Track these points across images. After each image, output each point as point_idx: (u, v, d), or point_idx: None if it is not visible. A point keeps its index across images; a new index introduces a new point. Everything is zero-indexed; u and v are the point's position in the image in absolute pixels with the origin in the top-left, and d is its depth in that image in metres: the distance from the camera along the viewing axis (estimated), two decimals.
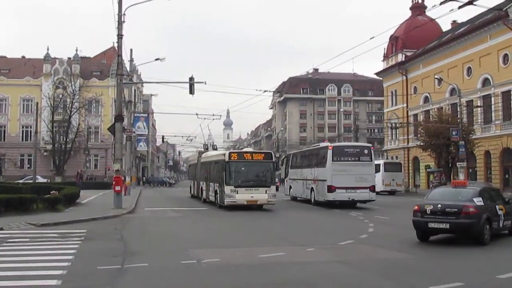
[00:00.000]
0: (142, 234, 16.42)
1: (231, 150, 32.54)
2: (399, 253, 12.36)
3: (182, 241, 14.44)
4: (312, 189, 30.28)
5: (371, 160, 28.99)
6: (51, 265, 10.27)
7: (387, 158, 67.98)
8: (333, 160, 28.06)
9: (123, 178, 29.64)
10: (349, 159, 28.41)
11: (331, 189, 27.60)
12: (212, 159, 29.89)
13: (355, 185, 27.68)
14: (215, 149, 44.62)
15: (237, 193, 24.71)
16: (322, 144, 33.49)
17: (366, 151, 29.15)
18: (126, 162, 39.35)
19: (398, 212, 26.52)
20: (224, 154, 26.46)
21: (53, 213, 21.03)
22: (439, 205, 13.86)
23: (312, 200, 30.04)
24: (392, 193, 46.56)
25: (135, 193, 39.01)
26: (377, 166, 41.96)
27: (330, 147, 29.21)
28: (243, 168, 25.75)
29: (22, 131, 68.28)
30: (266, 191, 25.14)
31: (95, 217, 20.21)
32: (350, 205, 27.92)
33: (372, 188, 28.49)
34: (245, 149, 33.33)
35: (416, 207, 14.33)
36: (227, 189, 24.78)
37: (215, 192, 27.11)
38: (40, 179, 49.00)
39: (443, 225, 13.64)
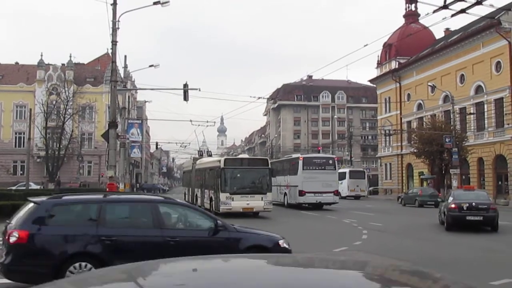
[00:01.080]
0: None
1: (227, 157, 32.61)
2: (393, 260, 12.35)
3: None
4: (285, 193, 34.13)
5: (335, 169, 34.22)
6: None
7: (380, 165, 68.37)
8: (303, 169, 32.58)
9: (117, 185, 29.53)
10: (317, 168, 33.03)
11: (301, 193, 31.89)
12: (207, 165, 29.70)
13: (322, 190, 32.04)
14: (210, 155, 44.51)
15: (233, 200, 24.36)
16: (294, 156, 38.00)
17: (330, 161, 34.47)
18: (120, 168, 39.17)
19: (391, 218, 26.69)
20: (220, 161, 26.25)
21: None
22: (474, 203, 18.90)
23: (285, 203, 33.87)
24: (357, 197, 51.90)
25: None
26: (343, 173, 49.93)
27: (301, 158, 34.04)
28: (238, 175, 25.50)
29: (15, 137, 68.00)
30: (262, 198, 24.87)
31: None
32: (317, 206, 32.54)
33: (336, 192, 33.40)
34: (240, 156, 33.58)
35: (453, 205, 19.05)
36: (223, 196, 24.47)
37: (210, 199, 26.81)
38: (33, 186, 48.75)
39: (478, 218, 18.72)
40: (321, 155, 43.57)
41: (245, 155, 37.77)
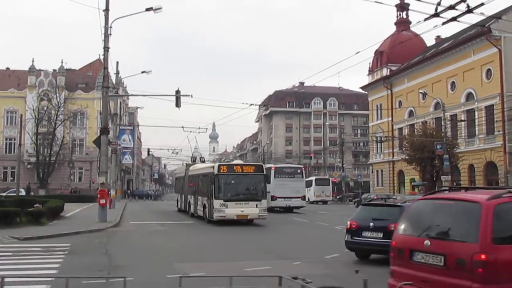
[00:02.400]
0: (127, 247, 16.28)
1: (220, 163, 32.24)
2: (385, 266, 12.35)
3: (167, 254, 14.36)
4: None
5: (302, 177, 39.62)
6: (35, 280, 10.12)
7: (372, 172, 68.57)
8: (275, 177, 36.87)
9: (108, 191, 29.42)
10: (287, 177, 37.93)
11: (273, 198, 35.62)
12: (200, 171, 29.10)
13: (291, 195, 36.73)
14: (203, 161, 44.12)
15: (227, 207, 23.67)
16: (267, 165, 41.12)
17: (299, 171, 39.89)
18: (111, 175, 39.07)
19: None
20: (213, 167, 25.68)
21: (36, 226, 20.77)
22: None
23: None
24: (324, 202, 57.35)
25: (120, 207, 38.71)
26: (310, 181, 55.96)
27: (273, 168, 39.42)
28: (233, 181, 24.80)
29: (6, 143, 67.60)
30: (257, 205, 24.24)
31: (79, 231, 19.99)
32: (288, 210, 36.80)
33: (303, 198, 38.73)
34: (234, 162, 33.25)
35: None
36: (216, 203, 23.79)
37: (204, 206, 26.16)
38: (23, 192, 48.43)
39: None
40: (290, 165, 48.23)
41: (239, 161, 37.85)
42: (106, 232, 20.74)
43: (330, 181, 63.51)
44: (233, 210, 23.79)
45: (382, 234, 12.39)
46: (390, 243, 8.08)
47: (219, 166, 25.63)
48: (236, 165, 26.78)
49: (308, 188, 50.48)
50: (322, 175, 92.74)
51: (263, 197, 25.06)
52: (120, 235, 19.97)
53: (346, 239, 13.51)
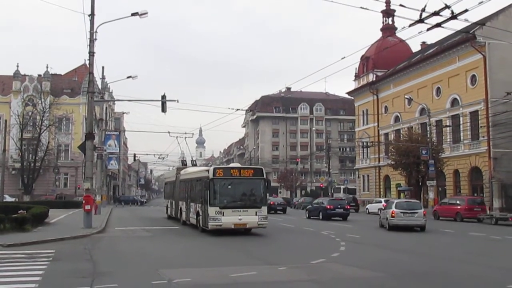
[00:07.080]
0: (112, 254, 16.15)
1: (216, 166, 30.35)
2: (370, 272, 12.40)
3: (153, 261, 14.26)
4: None
5: None
6: (18, 286, 10.02)
7: (358, 177, 68.80)
8: None
9: (93, 197, 29.19)
10: None
11: None
12: (193, 176, 27.28)
13: None
14: (194, 165, 42.94)
15: (223, 215, 21.70)
16: None
17: None
18: (97, 180, 38.85)
19: (369, 231, 26.81)
20: (208, 171, 23.42)
21: (20, 233, 20.56)
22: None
23: None
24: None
25: (106, 212, 38.47)
26: None
27: None
28: (230, 187, 22.73)
29: None
30: (256, 212, 22.22)
31: (64, 237, 19.81)
32: None
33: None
34: (232, 165, 30.40)
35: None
36: (212, 210, 21.81)
37: (197, 213, 24.41)
38: (8, 198, 47.96)
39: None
40: None
41: (237, 164, 36.01)
42: (91, 238, 20.58)
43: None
44: (230, 218, 21.83)
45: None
46: None
47: (214, 169, 23.23)
48: (233, 168, 24.16)
49: None
50: (309, 180, 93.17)
51: (263, 204, 23.01)
52: (105, 241, 19.82)
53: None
